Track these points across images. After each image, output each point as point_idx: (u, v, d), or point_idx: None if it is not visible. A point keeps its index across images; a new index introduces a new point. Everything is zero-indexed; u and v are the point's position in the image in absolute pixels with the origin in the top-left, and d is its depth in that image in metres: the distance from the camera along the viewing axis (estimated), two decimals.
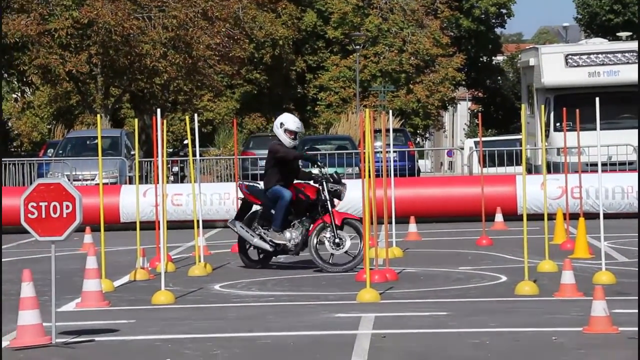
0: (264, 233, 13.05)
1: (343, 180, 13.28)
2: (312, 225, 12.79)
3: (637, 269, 12.30)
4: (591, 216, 16.53)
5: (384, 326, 8.84)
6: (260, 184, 13.68)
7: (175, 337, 8.62)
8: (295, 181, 13.11)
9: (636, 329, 8.37)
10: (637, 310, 9.30)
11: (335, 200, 12.94)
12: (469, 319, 9.13)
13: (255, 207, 13.42)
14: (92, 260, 10.37)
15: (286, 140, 13.04)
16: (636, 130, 23.91)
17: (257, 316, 9.70)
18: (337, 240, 12.73)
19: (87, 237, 15.55)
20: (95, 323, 9.31)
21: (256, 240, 13.08)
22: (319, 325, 9.04)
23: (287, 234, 12.88)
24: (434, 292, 10.92)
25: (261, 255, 13.31)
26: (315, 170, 13.22)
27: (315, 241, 12.73)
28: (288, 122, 13.11)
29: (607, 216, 15.74)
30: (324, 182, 12.81)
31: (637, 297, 10.14)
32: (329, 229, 12.77)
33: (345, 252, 12.76)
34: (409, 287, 11.31)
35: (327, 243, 12.76)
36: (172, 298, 10.63)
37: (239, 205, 13.58)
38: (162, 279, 10.76)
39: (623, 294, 10.35)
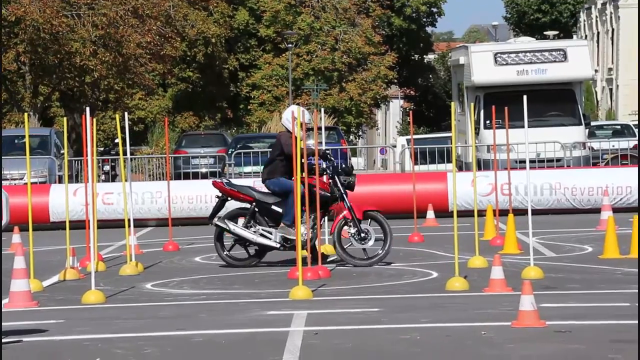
0: (264, 230, 12.69)
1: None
2: (326, 220, 12.46)
3: (564, 264, 12.52)
4: (520, 212, 16.77)
5: (316, 323, 8.86)
6: (234, 181, 13.52)
7: (106, 336, 8.54)
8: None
9: (563, 322, 8.52)
10: (565, 305, 9.47)
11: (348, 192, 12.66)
12: (400, 315, 9.20)
13: (236, 204, 12.95)
14: (20, 260, 10.22)
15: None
16: (563, 128, 24.36)
17: (189, 314, 9.65)
18: (362, 235, 12.56)
19: (16, 237, 15.29)
20: (24, 323, 9.18)
21: (259, 239, 12.68)
22: (251, 322, 9.03)
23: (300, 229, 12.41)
24: (366, 289, 10.98)
25: (252, 252, 12.91)
26: (324, 164, 12.80)
27: (339, 237, 12.48)
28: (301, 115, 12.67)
29: (535, 212, 16.01)
30: (336, 176, 12.51)
31: (565, 292, 10.32)
32: (351, 224, 12.53)
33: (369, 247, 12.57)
34: (341, 284, 11.36)
35: (352, 239, 12.54)
36: (103, 297, 10.53)
37: (215, 205, 13.10)
38: (92, 278, 10.65)
39: (550, 288, 10.52)
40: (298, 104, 41.42)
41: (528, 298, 8.33)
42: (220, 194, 13.07)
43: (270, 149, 26.09)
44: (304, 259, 11.01)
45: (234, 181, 15.12)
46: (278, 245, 12.72)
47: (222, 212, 13.12)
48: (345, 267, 12.77)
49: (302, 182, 12.53)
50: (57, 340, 8.46)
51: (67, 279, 12.26)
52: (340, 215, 12.55)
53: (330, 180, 12.62)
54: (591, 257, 13.08)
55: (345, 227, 12.60)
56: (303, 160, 12.45)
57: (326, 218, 13.25)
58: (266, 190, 12.95)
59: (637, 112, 46.96)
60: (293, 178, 12.45)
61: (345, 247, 12.67)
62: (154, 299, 10.70)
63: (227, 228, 12.81)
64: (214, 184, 13.20)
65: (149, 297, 10.84)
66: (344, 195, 12.53)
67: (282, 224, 12.62)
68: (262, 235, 12.74)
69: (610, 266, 12.08)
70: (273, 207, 12.73)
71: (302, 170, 12.54)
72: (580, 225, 17.34)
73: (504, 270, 10.46)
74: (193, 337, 8.42)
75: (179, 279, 12.24)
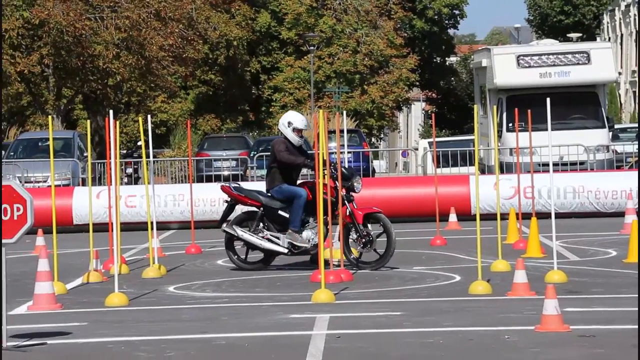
0: (272, 235, 12.69)
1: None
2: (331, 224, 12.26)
3: (587, 268, 12.45)
4: (543, 216, 16.70)
5: (338, 326, 8.86)
6: (241, 184, 13.58)
7: (129, 339, 8.56)
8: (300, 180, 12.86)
9: (587, 327, 8.47)
10: (589, 309, 9.42)
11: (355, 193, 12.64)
12: (422, 319, 9.18)
13: (245, 208, 12.94)
14: (44, 262, 10.27)
15: (294, 138, 12.74)
16: (586, 130, 24.25)
17: (211, 317, 9.67)
18: (364, 240, 12.51)
19: (39, 240, 15.39)
20: (48, 326, 9.22)
21: (267, 244, 12.69)
22: (274, 326, 9.04)
23: (305, 234, 12.53)
24: (389, 292, 10.96)
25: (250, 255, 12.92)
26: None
27: (346, 243, 12.41)
28: (296, 120, 12.78)
29: (558, 216, 15.92)
30: (336, 180, 12.39)
31: (588, 296, 10.26)
32: (353, 228, 12.49)
33: (374, 249, 12.53)
34: (363, 287, 11.34)
35: (353, 245, 12.50)
36: (126, 300, 10.56)
37: (224, 209, 13.09)
38: (116, 281, 10.68)
39: (574, 292, 10.46)
40: (320, 107, 41.45)
41: (552, 302, 8.29)
42: (228, 199, 13.06)
43: None
44: (326, 262, 11.00)
45: (246, 185, 15.14)
46: (286, 251, 12.73)
47: (233, 216, 13.14)
48: (367, 270, 12.76)
49: (308, 187, 12.58)
50: (81, 343, 8.49)
51: (90, 282, 12.30)
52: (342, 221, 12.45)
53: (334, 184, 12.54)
54: (615, 261, 13.01)
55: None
56: (306, 163, 12.61)
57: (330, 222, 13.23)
58: None
59: None
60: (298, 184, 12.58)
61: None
62: (177, 302, 10.73)
63: (235, 234, 12.82)
64: (222, 189, 13.24)
65: (171, 300, 10.87)
66: (345, 200, 12.43)
67: (289, 230, 12.64)
68: (269, 240, 12.74)
69: (634, 270, 12.00)
70: (280, 212, 12.74)
71: (299, 174, 12.72)
72: (604, 229, 17.25)
73: (527, 274, 10.42)
74: (215, 340, 8.43)
75: (202, 281, 12.26)
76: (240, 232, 12.82)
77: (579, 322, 8.58)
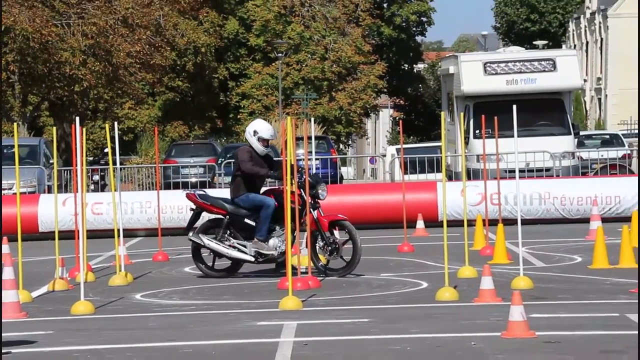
0: (239, 244, 12.67)
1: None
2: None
3: (553, 274, 12.53)
4: (510, 222, 16.79)
5: (306, 334, 8.85)
6: (208, 192, 13.54)
7: (95, 347, 8.51)
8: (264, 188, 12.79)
9: (553, 332, 8.52)
10: (554, 315, 9.48)
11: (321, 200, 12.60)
12: (390, 326, 9.19)
13: (212, 216, 12.93)
14: (9, 270, 10.19)
15: (259, 148, 12.71)
16: (552, 137, 24.41)
17: (178, 325, 9.62)
18: (330, 248, 12.49)
19: (5, 248, 15.20)
20: (12, 335, 9.14)
21: (234, 253, 12.67)
22: (241, 333, 9.01)
23: (271, 242, 12.50)
24: (356, 299, 10.97)
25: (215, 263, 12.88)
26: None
27: (312, 250, 12.39)
28: (262, 130, 12.74)
29: (524, 222, 16.03)
30: (301, 188, 12.28)
31: (554, 302, 10.33)
32: (319, 236, 12.45)
33: (341, 256, 12.50)
34: (331, 294, 11.34)
35: (321, 253, 12.48)
36: (92, 308, 10.49)
37: (191, 217, 13.04)
38: (82, 289, 10.61)
39: (540, 298, 10.53)
40: (288, 114, 41.44)
41: (518, 308, 8.33)
42: (194, 207, 13.03)
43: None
44: (293, 270, 10.99)
45: (213, 192, 15.06)
46: (252, 259, 12.74)
47: (199, 223, 13.11)
48: (334, 277, 12.76)
49: (274, 195, 12.56)
50: (46, 352, 8.42)
51: (56, 290, 12.22)
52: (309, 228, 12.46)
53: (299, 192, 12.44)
54: (580, 267, 13.10)
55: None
56: (269, 174, 12.56)
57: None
58: None
59: (625, 122, 47.12)
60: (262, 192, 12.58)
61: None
62: (143, 310, 10.67)
63: (202, 242, 12.82)
64: (188, 197, 13.23)
65: (138, 308, 10.81)
66: (311, 207, 12.38)
67: (255, 239, 12.64)
68: (236, 248, 12.76)
69: (599, 276, 12.10)
70: (246, 220, 12.75)
71: (262, 184, 12.70)
72: (570, 235, 17.37)
73: (493, 280, 10.46)
74: (182, 348, 8.40)
75: (169, 289, 12.21)
76: (206, 240, 12.81)
77: (544, 328, 8.63)
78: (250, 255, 12.70)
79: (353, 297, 11.14)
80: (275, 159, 27.27)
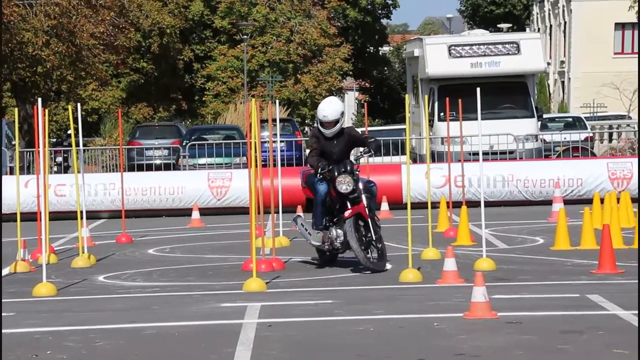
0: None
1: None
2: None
3: (516, 256, 12.63)
4: (473, 204, 16.86)
5: (269, 315, 8.86)
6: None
7: (57, 329, 8.47)
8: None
9: (515, 313, 8.59)
10: (516, 296, 9.56)
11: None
12: (353, 307, 9.23)
13: None
14: None
15: (323, 130, 11.52)
16: (516, 120, 24.55)
17: (141, 307, 9.60)
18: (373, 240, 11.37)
19: None
20: None
21: (314, 241, 11.67)
22: (205, 315, 9.01)
23: (333, 232, 11.39)
24: (320, 281, 10.99)
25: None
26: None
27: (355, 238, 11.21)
28: (318, 111, 11.65)
29: (488, 204, 16.12)
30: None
31: (516, 283, 10.41)
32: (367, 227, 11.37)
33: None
34: (295, 276, 11.36)
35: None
36: (54, 290, 10.44)
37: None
38: (44, 270, 10.55)
39: (502, 279, 10.61)
40: (253, 96, 41.34)
41: (480, 290, 8.40)
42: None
43: (225, 140, 26.08)
44: (257, 251, 10.99)
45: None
46: (327, 250, 11.68)
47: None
48: (298, 259, 12.78)
49: (326, 181, 11.39)
50: (8, 333, 8.37)
51: (17, 272, 12.13)
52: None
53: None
54: (542, 249, 13.22)
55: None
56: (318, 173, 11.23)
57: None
58: None
59: (587, 105, 47.45)
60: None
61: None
62: (106, 292, 10.63)
63: (294, 226, 11.99)
64: (301, 175, 11.95)
65: (101, 290, 10.77)
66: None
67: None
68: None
69: (560, 257, 12.21)
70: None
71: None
72: (532, 217, 17.50)
73: (456, 261, 10.53)
74: (145, 330, 8.38)
75: (132, 271, 12.17)
76: (299, 224, 11.82)
77: (506, 309, 8.71)
78: (326, 244, 11.61)
79: (317, 278, 11.16)
80: (241, 140, 26.61)
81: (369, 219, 11.40)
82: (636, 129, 28.67)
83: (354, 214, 11.33)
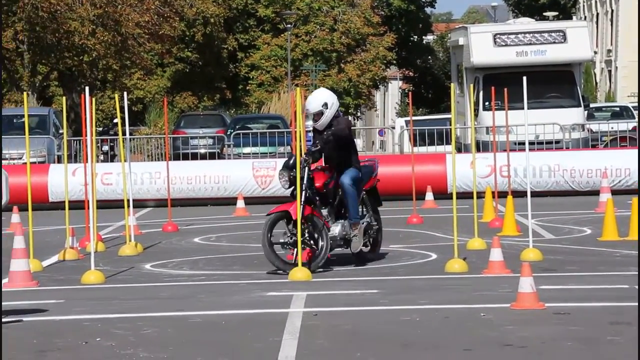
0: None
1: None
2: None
3: (563, 246, 12.53)
4: (519, 194, 16.77)
5: (315, 304, 8.88)
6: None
7: (105, 316, 8.55)
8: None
9: (562, 304, 8.53)
10: (564, 287, 9.49)
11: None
12: (399, 297, 9.22)
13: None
14: (20, 239, 10.23)
15: (314, 124, 11.26)
16: (563, 109, 24.34)
17: (188, 295, 9.67)
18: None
19: (15, 217, 15.29)
20: (24, 303, 9.19)
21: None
22: (251, 303, 9.05)
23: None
24: (365, 271, 10.99)
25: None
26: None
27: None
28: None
29: (534, 194, 16.01)
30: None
31: (564, 274, 10.34)
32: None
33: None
34: (340, 265, 11.37)
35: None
36: (102, 278, 10.54)
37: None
38: (92, 258, 10.66)
39: (549, 270, 10.53)
40: (297, 85, 41.35)
41: (527, 280, 8.34)
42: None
43: (269, 130, 26.18)
44: (303, 241, 11.00)
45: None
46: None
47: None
48: (343, 250, 12.78)
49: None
50: (57, 320, 8.47)
51: (66, 259, 12.26)
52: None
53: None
54: (590, 239, 13.10)
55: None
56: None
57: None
58: None
59: (635, 94, 46.90)
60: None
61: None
62: (153, 280, 10.71)
63: None
64: None
65: (148, 278, 10.85)
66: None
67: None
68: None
69: (608, 248, 12.10)
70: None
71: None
72: (579, 207, 17.35)
73: (503, 252, 10.47)
74: (192, 318, 8.44)
75: (178, 259, 12.25)
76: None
77: (554, 299, 8.65)
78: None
79: (362, 268, 11.16)
80: (285, 130, 26.26)
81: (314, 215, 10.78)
82: None
83: (274, 212, 10.83)
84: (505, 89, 15.66)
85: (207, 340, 7.60)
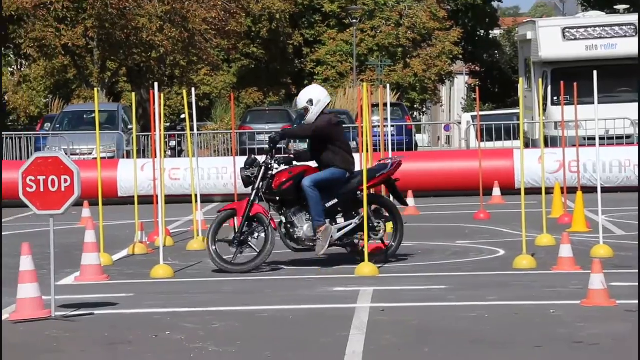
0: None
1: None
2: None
3: (635, 242, 12.32)
4: (589, 190, 16.53)
5: (382, 300, 8.86)
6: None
7: (175, 310, 8.64)
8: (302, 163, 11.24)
9: (634, 301, 8.39)
10: (635, 283, 9.33)
11: None
12: (467, 293, 9.16)
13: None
14: (91, 234, 10.38)
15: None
16: (634, 104, 23.95)
17: (255, 290, 9.72)
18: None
19: (85, 211, 15.54)
20: (95, 297, 9.33)
21: None
22: (318, 298, 9.07)
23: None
24: (432, 266, 10.94)
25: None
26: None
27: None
28: None
29: (604, 190, 15.73)
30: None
31: (635, 271, 10.17)
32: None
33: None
34: (407, 261, 11.33)
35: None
36: (171, 272, 10.65)
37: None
38: (161, 253, 10.77)
39: (620, 267, 10.37)
40: (362, 80, 41.30)
41: (598, 277, 8.23)
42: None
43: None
44: (369, 237, 10.99)
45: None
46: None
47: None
48: (410, 244, 12.73)
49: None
50: (128, 314, 8.58)
51: (135, 254, 12.41)
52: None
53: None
54: None
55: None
56: None
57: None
58: None
59: None
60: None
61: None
62: (221, 274, 10.79)
63: None
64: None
65: (216, 273, 10.93)
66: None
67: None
68: None
69: None
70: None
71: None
72: None
73: (572, 248, 10.34)
74: (259, 313, 8.48)
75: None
76: None
77: (625, 296, 8.51)
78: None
79: (429, 264, 11.11)
80: (351, 125, 26.29)
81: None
82: None
83: (224, 210, 10.94)
84: (575, 84, 15.45)
85: (275, 335, 7.63)
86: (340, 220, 10.98)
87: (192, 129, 14.32)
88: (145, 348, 7.33)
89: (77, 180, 8.25)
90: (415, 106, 48.48)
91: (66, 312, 8.50)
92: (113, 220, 16.15)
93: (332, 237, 10.90)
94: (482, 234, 13.76)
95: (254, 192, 10.98)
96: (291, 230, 10.97)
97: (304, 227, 10.93)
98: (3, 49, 35.97)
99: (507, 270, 10.44)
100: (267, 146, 11.79)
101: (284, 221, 11.05)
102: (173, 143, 27.82)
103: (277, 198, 11.03)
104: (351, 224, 10.99)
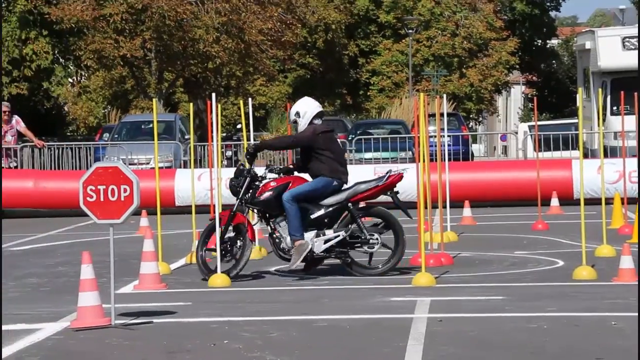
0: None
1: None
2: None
3: None
4: None
5: (439, 310, 8.81)
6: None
7: (232, 319, 8.67)
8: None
9: None
10: None
11: None
12: (525, 304, 9.07)
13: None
14: (149, 243, 10.46)
15: None
16: None
17: (312, 299, 9.72)
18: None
19: (144, 221, 15.69)
20: (153, 305, 9.40)
21: None
22: (375, 308, 9.04)
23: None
24: (490, 277, 10.86)
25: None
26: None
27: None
28: None
29: None
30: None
31: None
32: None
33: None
34: (464, 271, 11.26)
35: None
36: (228, 281, 10.69)
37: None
38: (218, 262, 10.82)
39: None
40: (418, 90, 41.19)
41: None
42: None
43: (390, 135, 26.17)
44: (426, 245, 10.94)
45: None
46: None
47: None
48: (467, 254, 12.65)
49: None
50: (186, 322, 8.63)
51: (193, 262, 12.49)
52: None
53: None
54: None
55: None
56: None
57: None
58: None
59: None
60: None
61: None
62: (278, 284, 10.81)
63: None
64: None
65: (272, 282, 10.96)
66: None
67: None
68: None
69: None
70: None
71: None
72: None
73: (633, 259, 10.19)
74: (317, 322, 8.48)
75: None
76: None
77: None
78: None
79: (486, 274, 11.03)
80: (407, 135, 26.29)
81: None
82: None
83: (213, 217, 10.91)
84: (635, 94, 15.25)
85: (332, 345, 7.62)
86: (329, 232, 10.93)
87: (248, 138, 14.37)
88: (204, 357, 7.37)
89: (136, 190, 8.33)
90: (471, 116, 48.23)
91: (125, 320, 8.58)
92: (170, 230, 16.27)
93: (313, 250, 10.86)
94: (541, 244, 13.63)
95: (238, 201, 11.12)
96: (277, 241, 11.07)
97: (287, 239, 10.99)
98: (63, 60, 36.51)
99: (567, 281, 10.32)
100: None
101: (271, 231, 11.15)
102: (229, 153, 27.99)
103: (260, 208, 11.13)
104: (338, 236, 10.91)
